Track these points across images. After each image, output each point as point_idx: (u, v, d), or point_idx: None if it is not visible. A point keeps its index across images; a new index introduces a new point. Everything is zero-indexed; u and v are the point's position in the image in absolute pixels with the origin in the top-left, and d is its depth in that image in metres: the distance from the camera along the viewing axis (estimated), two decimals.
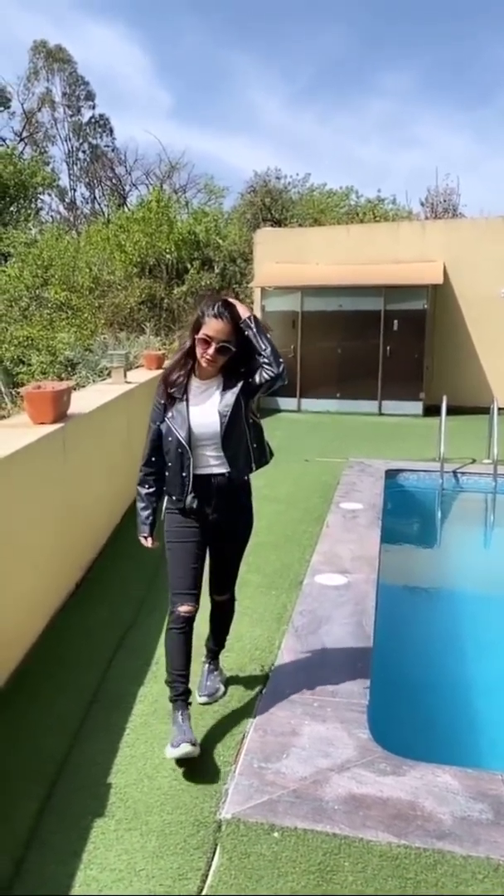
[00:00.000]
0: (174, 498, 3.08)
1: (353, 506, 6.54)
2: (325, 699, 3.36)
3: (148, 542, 3.19)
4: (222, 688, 3.45)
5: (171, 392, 3.00)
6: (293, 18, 42.97)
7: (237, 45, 45.92)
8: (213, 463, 3.02)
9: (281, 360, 2.95)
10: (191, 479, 2.99)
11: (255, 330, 2.94)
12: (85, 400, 5.62)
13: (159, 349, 10.97)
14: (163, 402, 3.03)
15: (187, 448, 2.96)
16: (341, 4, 42.07)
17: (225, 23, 43.49)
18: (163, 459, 3.07)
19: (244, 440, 3.04)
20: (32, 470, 4.05)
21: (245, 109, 44.88)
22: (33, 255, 16.44)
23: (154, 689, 3.46)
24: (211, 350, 2.87)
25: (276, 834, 2.51)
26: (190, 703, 3.05)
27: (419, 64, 44.44)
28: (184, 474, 3.00)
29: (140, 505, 3.19)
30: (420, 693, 3.94)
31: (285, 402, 12.76)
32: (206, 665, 3.49)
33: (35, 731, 3.19)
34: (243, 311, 2.96)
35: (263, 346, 2.93)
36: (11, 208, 23.25)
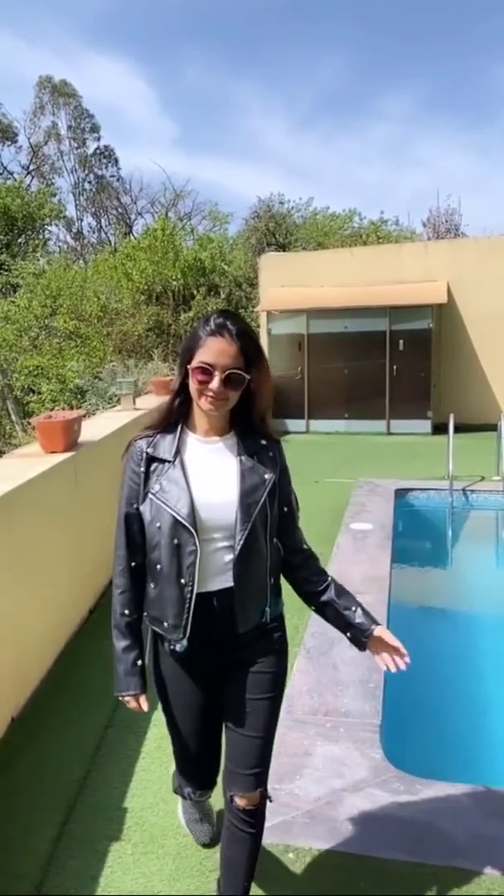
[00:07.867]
0: (167, 625, 1.95)
1: (363, 526, 6.57)
2: (338, 720, 3.38)
3: (142, 705, 2.03)
4: None
5: (155, 454, 1.94)
6: (294, 47, 43.76)
7: (240, 75, 46.85)
8: (228, 567, 1.92)
9: None
10: (194, 591, 1.90)
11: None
12: (95, 427, 5.69)
13: (167, 375, 11.10)
14: (142, 469, 1.94)
15: (193, 533, 1.87)
16: (341, 31, 42.84)
17: (227, 53, 44.43)
18: (144, 565, 1.99)
19: (262, 568, 1.99)
20: (45, 498, 4.12)
21: (248, 137, 45.66)
22: (42, 286, 16.69)
23: None
24: (215, 383, 1.84)
25: (291, 855, 2.53)
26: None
27: (420, 87, 45.17)
28: (183, 581, 1.89)
29: (120, 644, 2.02)
30: (432, 712, 3.95)
31: (294, 424, 12.87)
32: None
33: (52, 757, 3.22)
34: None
35: (354, 607, 2.12)
36: (20, 240, 23.65)
